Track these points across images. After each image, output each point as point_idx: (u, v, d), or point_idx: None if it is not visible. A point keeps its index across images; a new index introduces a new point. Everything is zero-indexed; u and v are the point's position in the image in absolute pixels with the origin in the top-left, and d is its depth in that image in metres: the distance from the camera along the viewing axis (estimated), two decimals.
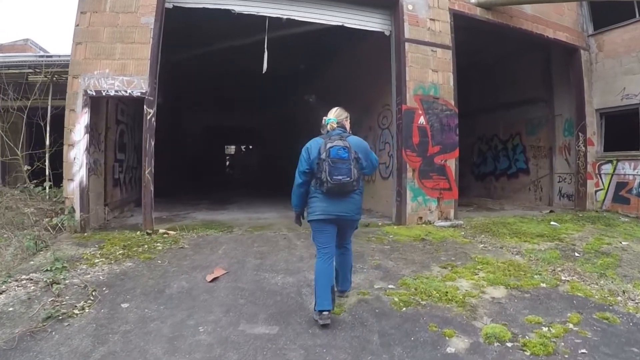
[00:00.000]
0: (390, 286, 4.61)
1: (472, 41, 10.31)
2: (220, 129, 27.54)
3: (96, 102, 7.73)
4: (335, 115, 3.85)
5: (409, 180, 7.70)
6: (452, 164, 8.08)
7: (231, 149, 48.38)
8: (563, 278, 4.95)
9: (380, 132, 9.63)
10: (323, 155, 3.52)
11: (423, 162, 7.81)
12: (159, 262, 5.28)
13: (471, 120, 14.11)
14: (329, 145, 3.55)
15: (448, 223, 7.71)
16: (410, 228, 7.39)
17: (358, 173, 3.62)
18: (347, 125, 3.95)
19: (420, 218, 7.81)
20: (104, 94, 7.22)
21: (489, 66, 13.04)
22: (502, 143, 13.42)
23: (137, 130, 11.43)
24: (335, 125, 3.80)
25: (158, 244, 6.20)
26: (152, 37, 7.28)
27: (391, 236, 6.89)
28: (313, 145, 3.69)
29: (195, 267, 5.12)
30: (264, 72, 8.06)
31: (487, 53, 12.21)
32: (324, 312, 3.51)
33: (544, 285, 4.68)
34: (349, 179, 3.50)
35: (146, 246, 6.05)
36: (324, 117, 3.88)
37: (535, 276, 4.96)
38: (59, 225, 7.10)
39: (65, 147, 7.36)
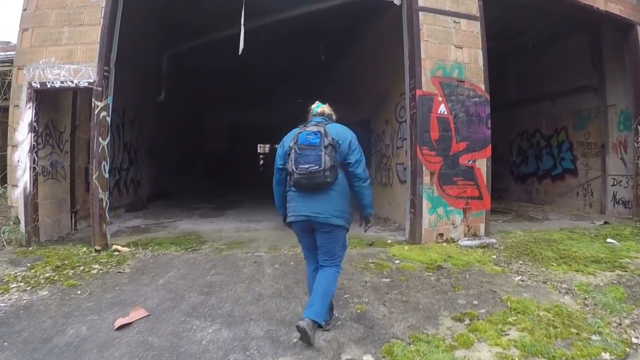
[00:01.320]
0: (365, 359, 2.97)
1: (507, 19, 8.78)
2: (246, 128, 26.54)
3: (50, 96, 6.63)
4: (325, 107, 3.44)
5: (425, 186, 5.97)
6: (482, 165, 6.27)
7: (266, 148, 48.37)
8: (635, 340, 3.17)
9: (398, 126, 7.92)
10: (291, 143, 3.12)
11: (444, 163, 6.06)
12: (79, 292, 4.26)
13: (509, 114, 12.43)
14: (299, 131, 3.15)
15: (476, 242, 5.92)
16: (425, 249, 5.67)
17: (332, 162, 3.02)
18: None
19: (441, 235, 6.07)
20: (49, 85, 6.13)
21: (529, 51, 11.07)
22: (546, 139, 11.57)
23: (128, 128, 10.31)
24: (325, 110, 3.39)
25: (97, 266, 5.14)
26: (102, 17, 6.17)
27: (397, 261, 5.21)
28: (287, 136, 3.27)
29: (116, 303, 3.97)
30: (239, 52, 6.67)
31: (526, 35, 10.26)
32: (306, 318, 2.98)
33: (607, 356, 2.94)
34: (317, 167, 2.97)
35: (82, 268, 5.04)
36: (312, 106, 3.45)
37: (593, 337, 3.21)
38: (2, 238, 6.07)
39: (9, 149, 6.34)
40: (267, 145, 45.96)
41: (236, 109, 23.33)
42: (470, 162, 6.20)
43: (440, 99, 6.02)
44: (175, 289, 4.37)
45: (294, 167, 3.04)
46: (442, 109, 6.02)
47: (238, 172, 24.85)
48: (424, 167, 5.96)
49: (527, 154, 12.33)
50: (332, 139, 3.07)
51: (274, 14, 9.43)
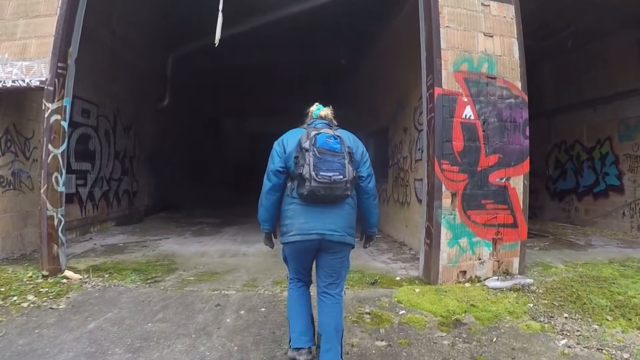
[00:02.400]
0: None
1: (544, 13, 7.60)
2: (267, 136, 25.57)
3: (10, 97, 5.78)
4: (329, 111, 2.99)
5: (445, 211, 4.68)
6: (518, 183, 4.93)
7: None
8: None
9: (417, 135, 6.68)
10: (306, 144, 2.59)
11: (470, 181, 4.76)
12: None
13: (545, 123, 11.01)
14: (314, 132, 2.65)
15: (508, 283, 4.59)
16: (442, 293, 4.37)
17: (353, 173, 2.62)
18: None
19: (463, 273, 4.75)
20: (0, 85, 5.14)
21: (568, 51, 9.56)
22: (587, 152, 10.00)
23: (122, 135, 9.51)
24: (328, 114, 2.95)
25: (32, 297, 4.29)
26: (59, 6, 5.26)
27: (402, 311, 3.96)
28: (290, 136, 2.79)
29: (23, 354, 3.17)
30: (216, 44, 5.83)
31: (564, 32, 8.82)
32: (302, 349, 2.68)
33: None
34: (341, 177, 2.54)
35: (15, 298, 4.22)
36: (311, 109, 3.03)
37: None
38: None
39: None
40: None
41: (257, 116, 22.53)
42: (503, 180, 4.87)
43: (466, 99, 4.75)
44: (102, 339, 3.34)
45: (312, 173, 2.52)
46: (468, 112, 4.74)
47: (258, 182, 23.93)
48: (443, 186, 4.68)
49: (566, 168, 10.80)
50: (349, 146, 2.72)
51: (282, 8, 8.54)
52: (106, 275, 5.03)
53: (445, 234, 4.66)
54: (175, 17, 10.55)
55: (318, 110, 3.01)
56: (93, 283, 4.75)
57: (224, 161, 20.62)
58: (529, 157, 5.06)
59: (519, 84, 5.04)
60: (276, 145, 2.81)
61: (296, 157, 2.66)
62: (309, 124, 2.91)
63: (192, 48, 11.17)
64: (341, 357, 2.75)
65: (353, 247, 2.86)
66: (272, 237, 3.06)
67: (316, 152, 2.57)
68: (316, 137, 2.63)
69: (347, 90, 13.78)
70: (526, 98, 5.07)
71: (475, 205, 4.75)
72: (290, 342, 2.83)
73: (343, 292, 2.92)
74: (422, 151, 5.13)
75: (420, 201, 6.21)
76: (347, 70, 13.02)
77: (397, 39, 7.87)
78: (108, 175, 8.95)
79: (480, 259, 4.81)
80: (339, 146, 2.63)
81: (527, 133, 5.06)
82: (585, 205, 10.04)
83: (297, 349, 2.73)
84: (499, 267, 4.89)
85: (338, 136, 2.69)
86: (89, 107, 8.03)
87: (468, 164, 4.77)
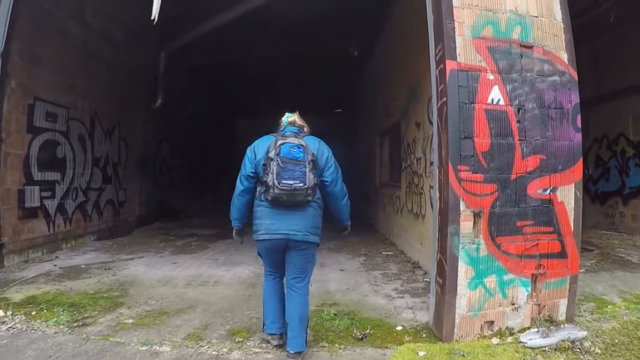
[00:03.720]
0: None
1: None
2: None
3: None
4: (297, 117, 3.23)
5: (464, 238, 3.26)
6: (568, 195, 3.47)
7: None
8: None
9: (431, 131, 5.27)
10: (272, 154, 2.86)
11: (501, 194, 3.34)
12: None
13: (583, 114, 8.99)
14: (280, 142, 2.90)
15: (553, 339, 3.19)
16: (458, 358, 3.00)
17: (314, 180, 2.89)
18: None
19: (489, 324, 3.33)
20: None
21: (609, 28, 7.91)
22: (634, 147, 8.25)
23: (101, 139, 8.50)
24: (296, 120, 3.20)
25: None
26: None
27: None
28: (261, 143, 3.04)
29: None
30: (153, 19, 5.13)
31: (604, 6, 7.17)
32: (275, 334, 3.13)
33: None
34: (301, 184, 2.81)
35: None
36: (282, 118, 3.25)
37: None
38: None
39: None
40: None
41: (274, 116, 21.36)
42: (548, 191, 3.44)
43: (492, 77, 3.33)
44: None
45: (275, 182, 2.80)
46: (496, 95, 3.32)
47: None
48: (462, 202, 3.28)
49: (609, 167, 9.06)
50: (313, 154, 2.93)
51: None
52: (33, 313, 4.01)
53: (464, 272, 3.27)
54: (167, 11, 9.50)
55: (287, 118, 3.22)
56: (12, 324, 3.72)
57: (237, 166, 19.52)
58: (581, 159, 3.61)
59: (564, 56, 3.60)
60: (248, 152, 3.05)
61: (264, 165, 2.89)
62: (280, 131, 3.10)
63: (188, 43, 10.16)
64: (305, 344, 3.03)
65: (318, 245, 3.13)
66: (242, 233, 3.34)
67: (279, 162, 2.81)
68: (280, 147, 2.85)
69: (362, 86, 12.48)
70: (575, 75, 3.63)
71: (508, 229, 3.33)
72: (264, 326, 3.24)
73: (309, 285, 3.19)
74: (433, 151, 3.73)
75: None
76: (359, 64, 11.73)
77: (409, 14, 6.48)
78: (84, 185, 7.94)
79: (513, 304, 3.39)
80: (301, 155, 2.85)
81: (579, 124, 3.62)
82: (633, 209, 8.32)
83: (270, 334, 3.15)
84: (539, 314, 3.47)
85: (301, 145, 2.89)
86: (55, 110, 7.02)
87: (497, 169, 3.37)
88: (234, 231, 3.33)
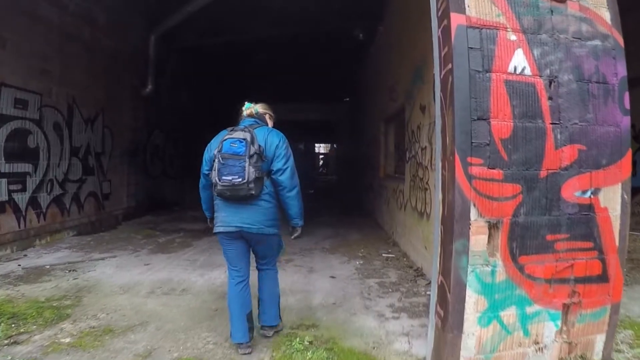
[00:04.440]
0: None
1: None
2: (300, 124, 23.72)
3: None
4: (258, 107, 3.26)
5: (475, 257, 2.42)
6: (613, 200, 2.63)
7: (320, 148, 46.16)
8: None
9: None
10: (215, 151, 2.93)
11: (527, 197, 2.50)
12: None
13: (632, 94, 7.92)
14: (225, 137, 2.94)
15: None
16: None
17: (257, 174, 2.83)
18: (270, 123, 3.33)
19: None
20: None
21: None
22: None
23: (81, 128, 7.80)
24: (252, 112, 3.21)
25: None
26: None
27: None
28: (214, 140, 3.10)
29: None
30: None
31: None
32: (242, 344, 3.01)
33: None
34: (240, 179, 2.78)
35: None
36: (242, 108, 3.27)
37: None
38: None
39: None
40: (327, 145, 43.79)
41: (287, 102, 20.56)
42: (589, 194, 2.58)
43: (514, 37, 2.47)
44: None
45: (217, 179, 2.85)
46: (520, 61, 2.46)
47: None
48: (472, 208, 2.43)
49: (635, 160, 7.93)
50: (259, 146, 2.90)
51: None
52: None
53: (474, 303, 2.44)
54: None
55: (246, 108, 3.24)
56: None
57: None
58: (630, 150, 2.73)
59: (606, 15, 2.74)
60: (205, 150, 3.14)
61: (212, 161, 2.98)
62: (240, 123, 3.17)
63: (180, 26, 9.38)
64: (279, 318, 3.30)
65: (275, 235, 3.12)
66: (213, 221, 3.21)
67: (220, 158, 2.87)
68: (222, 144, 2.91)
69: (367, 70, 11.60)
70: (621, 40, 2.76)
71: (535, 246, 2.49)
72: (231, 332, 3.09)
73: (276, 265, 3.33)
74: (436, 138, 2.88)
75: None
76: (364, 48, 10.86)
77: None
78: (61, 176, 7.26)
79: (537, 343, 2.58)
80: (242, 149, 2.83)
81: (627, 104, 2.76)
82: None
83: (236, 343, 3.04)
84: (569, 353, 2.65)
85: (244, 139, 2.87)
86: (25, 97, 6.33)
87: (523, 163, 2.53)
88: (207, 220, 3.40)
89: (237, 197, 2.87)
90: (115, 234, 7.90)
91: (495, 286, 2.44)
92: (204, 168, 3.13)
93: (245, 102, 3.26)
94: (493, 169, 2.49)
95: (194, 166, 13.31)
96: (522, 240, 2.46)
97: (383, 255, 6.28)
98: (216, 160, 2.87)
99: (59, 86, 7.06)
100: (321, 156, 47.66)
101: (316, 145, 43.56)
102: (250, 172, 2.79)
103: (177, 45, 10.54)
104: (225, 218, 2.99)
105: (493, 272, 2.44)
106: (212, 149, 3.03)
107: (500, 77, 2.46)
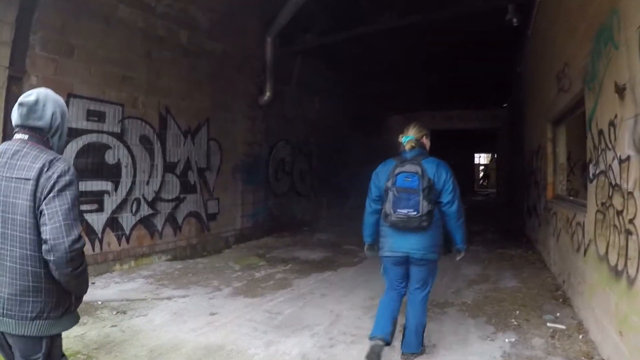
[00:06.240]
0: None
1: None
2: (455, 134, 21.99)
3: None
4: (412, 133, 3.32)
5: None
6: None
7: (481, 158, 42.34)
8: None
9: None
10: (389, 183, 3.13)
11: None
12: None
13: None
14: (397, 170, 3.14)
15: None
16: None
17: (429, 206, 3.04)
18: (427, 143, 3.43)
19: None
20: None
21: None
22: None
23: (174, 140, 7.74)
24: (413, 145, 3.28)
25: None
26: None
27: None
28: (382, 169, 3.31)
29: None
30: None
31: None
32: (377, 338, 3.14)
33: None
34: (415, 213, 3.01)
35: None
36: (401, 135, 3.35)
37: None
38: None
39: None
40: (487, 155, 39.76)
41: (440, 110, 18.61)
42: None
43: None
44: None
45: (391, 211, 3.06)
46: None
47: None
48: None
49: None
50: (429, 179, 3.06)
51: None
52: None
53: None
54: None
55: (405, 140, 3.28)
56: None
57: None
58: None
59: None
60: (373, 176, 3.34)
61: (385, 192, 3.15)
62: (400, 154, 3.29)
63: (300, 22, 8.47)
64: (420, 346, 3.31)
65: (436, 260, 3.27)
66: (372, 248, 3.51)
67: (395, 192, 3.07)
68: (396, 177, 3.10)
69: (525, 62, 9.16)
70: None
71: None
72: (373, 327, 3.28)
73: (428, 295, 3.36)
74: None
75: None
76: (520, 38, 8.53)
77: None
78: (151, 195, 6.72)
79: None
80: (416, 184, 3.02)
81: None
82: None
83: (371, 337, 3.19)
84: None
85: (417, 173, 3.04)
86: (100, 108, 5.91)
87: None
88: (365, 246, 3.56)
89: (409, 228, 3.05)
90: (215, 260, 7.07)
91: None
92: (373, 193, 3.29)
93: (402, 136, 3.32)
94: None
95: (332, 182, 12.16)
96: None
97: (548, 324, 4.05)
98: (390, 193, 3.08)
99: (146, 95, 6.53)
100: (481, 167, 43.67)
101: (476, 155, 39.90)
102: (424, 205, 2.99)
103: (299, 47, 9.55)
104: (393, 245, 3.19)
105: None
106: (382, 179, 3.21)
107: None
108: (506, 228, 10.66)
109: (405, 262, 3.22)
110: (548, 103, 6.31)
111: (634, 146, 2.74)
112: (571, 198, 5.58)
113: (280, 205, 9.97)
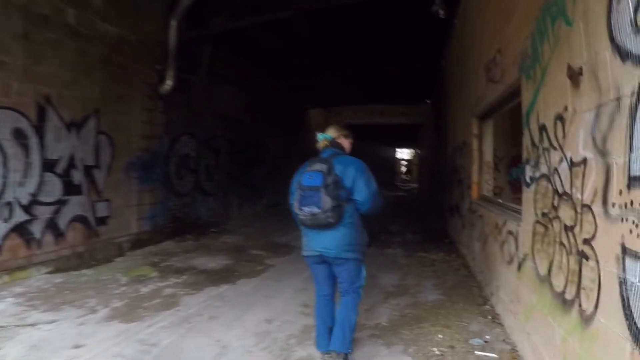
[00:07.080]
0: None
1: None
2: (375, 128, 21.65)
3: None
4: (330, 132, 3.39)
5: None
6: None
7: (403, 153, 43.35)
8: None
9: (621, 83, 1.61)
10: (297, 183, 3.17)
11: None
12: None
13: None
14: (306, 169, 3.16)
15: None
16: None
17: (334, 202, 2.97)
18: (346, 143, 3.43)
19: None
20: None
21: None
22: None
23: (55, 134, 6.32)
24: (327, 144, 3.34)
25: None
26: None
27: None
28: (300, 170, 3.28)
29: None
30: None
31: None
32: (323, 353, 3.18)
33: None
34: (317, 210, 2.98)
35: None
36: (318, 133, 3.45)
37: None
38: None
39: None
40: (410, 151, 40.71)
41: (360, 104, 18.24)
42: None
43: None
44: None
45: (298, 209, 3.08)
46: None
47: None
48: None
49: None
50: (336, 175, 3.03)
51: None
52: None
53: None
54: None
55: (320, 139, 3.37)
56: None
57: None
58: None
59: None
60: (294, 177, 3.28)
61: (296, 191, 3.16)
62: (321, 153, 3.30)
63: (210, 4, 7.38)
64: (347, 346, 3.16)
65: (357, 259, 3.16)
66: None
67: (300, 191, 3.07)
68: (302, 176, 3.12)
69: (450, 55, 8.78)
70: None
71: None
72: (316, 340, 3.35)
73: (358, 292, 3.25)
74: None
75: (630, 326, 1.22)
76: (449, 26, 8.10)
77: None
78: (26, 198, 5.46)
79: None
80: (319, 182, 2.99)
81: None
82: None
83: (321, 352, 3.21)
84: None
85: (321, 171, 3.03)
86: None
87: None
88: None
89: (318, 226, 3.03)
90: (102, 271, 5.91)
91: None
92: (291, 199, 3.25)
93: (318, 134, 3.39)
94: None
95: (244, 180, 10.93)
96: None
97: (476, 353, 3.47)
98: (298, 192, 3.09)
99: (21, 82, 5.29)
100: (403, 162, 44.83)
101: (398, 150, 40.71)
102: (326, 201, 2.94)
103: (208, 31, 8.44)
104: (308, 243, 3.18)
105: None
106: (295, 181, 3.21)
107: None
108: (428, 227, 10.36)
109: (323, 261, 3.19)
110: (475, 97, 5.84)
111: (593, 147, 2.14)
112: (499, 201, 5.12)
113: (182, 205, 8.85)
